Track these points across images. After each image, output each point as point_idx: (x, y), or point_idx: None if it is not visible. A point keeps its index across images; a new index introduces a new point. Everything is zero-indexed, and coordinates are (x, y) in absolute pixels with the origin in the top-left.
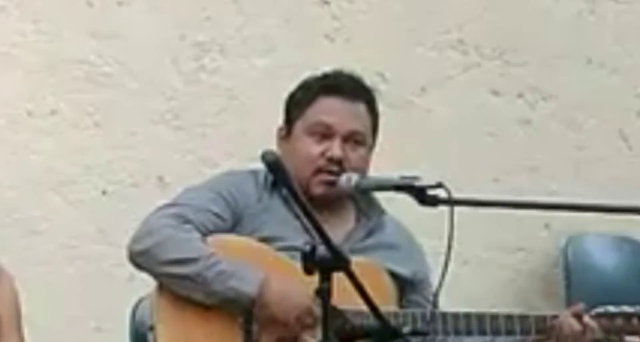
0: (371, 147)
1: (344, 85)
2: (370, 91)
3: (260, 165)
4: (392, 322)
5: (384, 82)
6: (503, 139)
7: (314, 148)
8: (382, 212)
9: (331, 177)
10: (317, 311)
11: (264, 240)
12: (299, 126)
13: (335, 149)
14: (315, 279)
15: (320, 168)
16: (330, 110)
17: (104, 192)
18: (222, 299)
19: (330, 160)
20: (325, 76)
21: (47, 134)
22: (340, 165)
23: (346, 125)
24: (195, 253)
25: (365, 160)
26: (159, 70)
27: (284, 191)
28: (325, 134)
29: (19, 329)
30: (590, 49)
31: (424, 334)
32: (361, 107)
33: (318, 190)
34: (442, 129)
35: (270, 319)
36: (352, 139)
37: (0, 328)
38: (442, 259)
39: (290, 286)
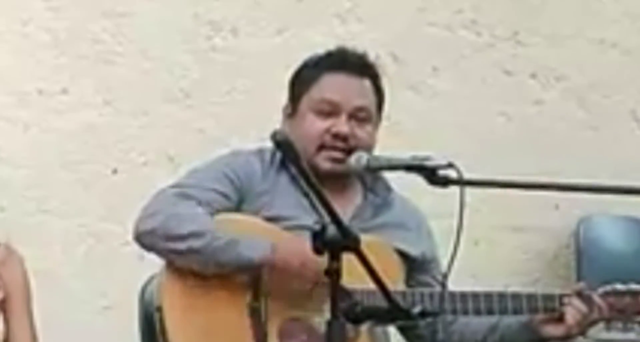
0: (377, 124)
1: (349, 61)
2: (375, 67)
3: (267, 145)
4: (401, 301)
5: (396, 62)
6: (515, 119)
7: (319, 124)
8: (389, 189)
9: (337, 154)
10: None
11: (272, 219)
12: (304, 103)
13: (341, 125)
14: (322, 259)
15: (325, 144)
16: (336, 87)
17: (114, 171)
18: (233, 267)
19: (336, 136)
20: (330, 53)
21: (57, 113)
22: (346, 141)
23: (352, 101)
24: (202, 227)
25: (372, 137)
26: (171, 49)
27: (292, 170)
28: (331, 111)
29: (28, 308)
30: (603, 29)
31: (434, 314)
32: (366, 83)
33: (325, 165)
34: (454, 109)
35: (282, 279)
36: (358, 115)
37: (11, 307)
38: (453, 239)
39: (300, 246)
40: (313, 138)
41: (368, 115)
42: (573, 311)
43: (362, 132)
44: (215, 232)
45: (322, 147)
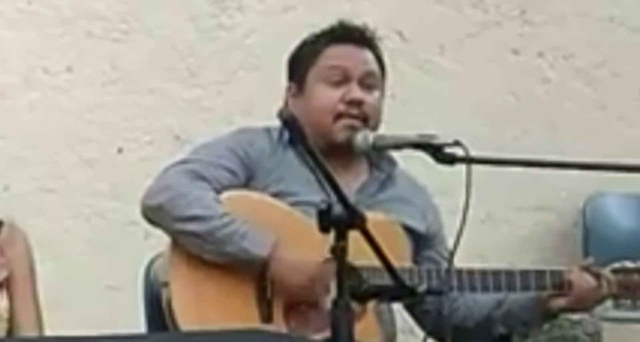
0: (383, 94)
1: (352, 33)
2: (375, 39)
3: (274, 123)
4: (407, 279)
5: (403, 40)
6: (523, 98)
7: (332, 93)
8: (394, 163)
9: (353, 121)
10: (326, 278)
11: (278, 195)
12: (311, 77)
13: (355, 91)
14: (328, 237)
15: (341, 113)
16: (343, 55)
17: (119, 150)
18: (232, 260)
19: (350, 103)
20: (331, 28)
21: (62, 92)
22: (360, 107)
23: (361, 67)
24: (209, 211)
25: (380, 105)
26: (176, 28)
27: (299, 146)
28: (341, 79)
29: (32, 286)
30: (611, 7)
31: (438, 292)
32: (369, 54)
33: (342, 135)
34: (461, 88)
35: (279, 284)
36: (366, 81)
37: (15, 285)
38: (459, 218)
39: (299, 252)
40: (328, 109)
41: (376, 82)
42: (577, 279)
43: (371, 99)
44: (222, 218)
45: (338, 116)
